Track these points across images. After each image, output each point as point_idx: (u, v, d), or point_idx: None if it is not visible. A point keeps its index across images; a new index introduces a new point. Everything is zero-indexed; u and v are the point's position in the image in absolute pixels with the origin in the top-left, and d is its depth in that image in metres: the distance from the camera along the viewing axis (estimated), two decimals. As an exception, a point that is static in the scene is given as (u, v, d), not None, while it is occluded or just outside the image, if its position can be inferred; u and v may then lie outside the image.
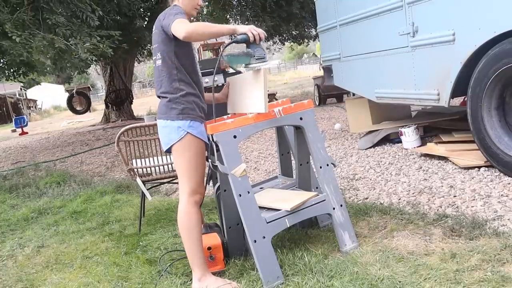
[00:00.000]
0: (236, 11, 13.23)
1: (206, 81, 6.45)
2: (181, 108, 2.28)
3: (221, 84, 6.83)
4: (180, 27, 2.08)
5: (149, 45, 11.79)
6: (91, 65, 13.31)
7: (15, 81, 10.85)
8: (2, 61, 7.32)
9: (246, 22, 13.01)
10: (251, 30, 2.14)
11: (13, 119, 18.12)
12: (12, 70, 8.30)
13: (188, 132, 2.27)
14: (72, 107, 17.62)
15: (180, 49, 2.27)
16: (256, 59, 2.17)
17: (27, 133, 15.30)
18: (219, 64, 2.26)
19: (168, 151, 2.35)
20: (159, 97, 2.38)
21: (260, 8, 11.64)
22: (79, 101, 18.57)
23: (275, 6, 11.48)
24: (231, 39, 2.14)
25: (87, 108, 18.13)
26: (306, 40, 15.43)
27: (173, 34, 2.15)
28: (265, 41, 2.18)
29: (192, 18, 2.44)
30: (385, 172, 3.71)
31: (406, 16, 3.76)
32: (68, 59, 7.84)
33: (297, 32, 14.34)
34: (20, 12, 6.05)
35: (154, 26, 2.35)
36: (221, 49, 2.20)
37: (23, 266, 3.09)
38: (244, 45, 2.20)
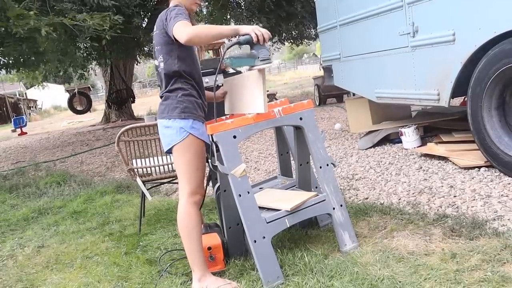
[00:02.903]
0: (233, 11, 13.19)
1: (207, 81, 6.44)
2: (182, 107, 2.28)
3: (221, 84, 6.81)
4: (182, 32, 2.06)
5: (147, 45, 11.78)
6: (91, 65, 13.30)
7: (33, 77, 10.72)
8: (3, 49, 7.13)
9: (241, 23, 13.00)
10: (255, 30, 2.07)
11: (12, 119, 18.09)
12: (17, 53, 8.11)
13: (190, 133, 2.27)
14: (72, 107, 17.63)
15: (182, 51, 2.27)
16: (261, 60, 2.10)
17: (26, 133, 15.28)
18: (220, 65, 2.20)
19: (169, 151, 2.35)
20: (161, 97, 2.38)
21: (257, 8, 11.55)
22: (79, 101, 18.58)
23: (274, 6, 11.35)
24: (230, 40, 2.11)
25: (88, 108, 18.14)
26: (306, 41, 15.28)
27: (174, 37, 2.15)
28: (270, 41, 2.14)
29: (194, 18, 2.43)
30: (385, 172, 3.71)
31: (406, 16, 3.76)
32: (72, 54, 7.77)
33: (297, 32, 14.21)
34: (26, 2, 5.95)
35: (155, 26, 2.35)
36: (222, 50, 2.17)
37: (23, 266, 3.09)
38: (247, 46, 2.15)
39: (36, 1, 6.11)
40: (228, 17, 13.20)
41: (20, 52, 7.44)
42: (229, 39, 2.10)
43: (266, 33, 2.10)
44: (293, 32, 14.12)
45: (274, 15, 11.61)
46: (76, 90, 17.30)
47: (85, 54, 9.60)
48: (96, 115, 19.48)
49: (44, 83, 10.52)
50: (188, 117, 2.28)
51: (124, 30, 7.22)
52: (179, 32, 2.08)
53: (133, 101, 13.42)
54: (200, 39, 2.10)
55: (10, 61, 8.28)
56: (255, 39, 2.08)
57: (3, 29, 6.27)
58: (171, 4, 2.33)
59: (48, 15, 6.04)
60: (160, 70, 2.33)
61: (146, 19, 10.57)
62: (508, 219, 2.45)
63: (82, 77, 11.87)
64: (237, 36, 2.12)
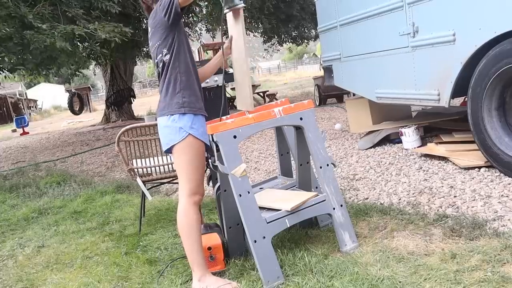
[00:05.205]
0: None
1: (207, 81, 6.44)
2: (181, 102, 2.26)
3: (220, 85, 6.84)
4: None
5: (146, 46, 11.80)
6: (90, 66, 13.31)
7: (36, 77, 10.77)
8: (21, 55, 7.23)
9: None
10: None
11: (14, 119, 18.10)
12: (34, 61, 8.19)
13: (189, 134, 2.26)
14: (72, 108, 17.64)
15: (179, 42, 2.26)
16: None
17: (28, 133, 15.30)
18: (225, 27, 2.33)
19: (168, 151, 2.35)
20: (161, 92, 2.36)
21: (258, 10, 11.64)
22: (78, 102, 18.60)
23: (274, 8, 11.47)
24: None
25: (81, 109, 18.17)
26: (305, 41, 15.42)
27: (173, 18, 2.15)
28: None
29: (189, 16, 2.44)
30: (385, 172, 3.71)
31: (406, 16, 3.76)
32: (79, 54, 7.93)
33: (296, 33, 14.32)
34: (39, 7, 6.04)
35: (149, 26, 2.33)
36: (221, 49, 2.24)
37: (23, 266, 3.09)
38: None
39: (48, 6, 6.14)
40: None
41: (37, 60, 7.65)
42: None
43: None
44: (292, 33, 14.25)
45: (274, 16, 11.77)
46: (73, 90, 17.30)
47: (85, 54, 9.65)
48: (96, 115, 19.50)
49: (52, 83, 10.64)
50: (189, 111, 2.26)
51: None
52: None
53: (131, 102, 13.42)
54: None
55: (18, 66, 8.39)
56: None
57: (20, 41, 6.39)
58: None
59: (59, 22, 6.10)
60: (161, 67, 2.30)
61: (145, 20, 10.59)
62: (508, 220, 2.45)
63: (80, 68, 11.88)
64: None
